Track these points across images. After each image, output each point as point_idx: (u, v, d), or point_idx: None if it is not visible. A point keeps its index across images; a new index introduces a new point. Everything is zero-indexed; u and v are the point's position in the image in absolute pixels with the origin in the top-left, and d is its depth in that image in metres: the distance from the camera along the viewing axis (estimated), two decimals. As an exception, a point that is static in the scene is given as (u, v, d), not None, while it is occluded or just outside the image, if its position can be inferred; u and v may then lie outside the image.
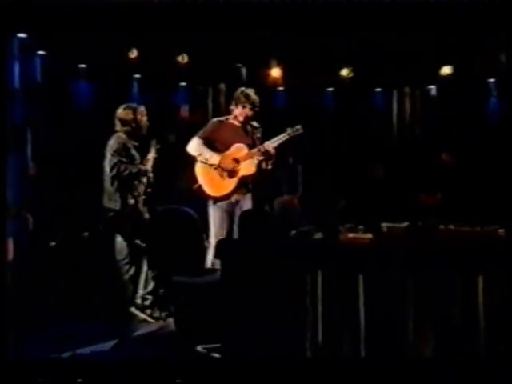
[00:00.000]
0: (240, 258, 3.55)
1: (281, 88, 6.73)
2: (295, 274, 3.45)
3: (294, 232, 3.94)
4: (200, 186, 4.82)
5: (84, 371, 3.48)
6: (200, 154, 4.81)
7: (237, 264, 3.54)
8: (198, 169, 4.85)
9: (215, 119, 5.01)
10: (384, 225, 3.79)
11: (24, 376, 3.44)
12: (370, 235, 3.57)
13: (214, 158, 4.77)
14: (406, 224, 3.86)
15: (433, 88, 6.58)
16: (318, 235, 3.63)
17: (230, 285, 3.50)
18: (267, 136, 4.88)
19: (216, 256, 3.94)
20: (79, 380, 3.39)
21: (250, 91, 4.87)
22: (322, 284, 3.39)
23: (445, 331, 3.37)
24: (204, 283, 4.06)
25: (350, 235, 3.59)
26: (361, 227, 3.71)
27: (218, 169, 4.79)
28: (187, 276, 4.15)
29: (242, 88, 4.92)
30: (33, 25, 4.57)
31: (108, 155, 4.73)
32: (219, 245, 3.88)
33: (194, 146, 4.84)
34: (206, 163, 4.81)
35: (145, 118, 4.87)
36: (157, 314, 4.74)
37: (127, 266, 4.81)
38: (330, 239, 3.50)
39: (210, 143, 4.85)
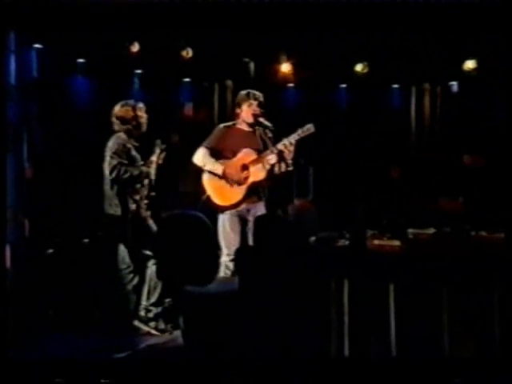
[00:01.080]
0: (258, 266, 3.56)
1: (291, 84, 6.73)
2: (318, 284, 3.45)
3: (313, 238, 3.95)
4: (208, 197, 4.86)
5: (84, 371, 3.60)
6: (204, 165, 4.86)
7: (255, 273, 3.54)
8: (205, 179, 4.89)
9: (221, 125, 5.04)
10: (410, 231, 3.81)
11: (24, 376, 3.56)
12: (398, 242, 3.57)
13: (218, 168, 4.80)
14: (432, 230, 3.88)
15: (455, 84, 6.57)
16: (342, 242, 3.63)
17: (247, 294, 3.50)
18: (278, 136, 4.88)
19: (235, 265, 3.94)
20: (79, 380, 3.51)
21: (249, 90, 4.92)
22: (349, 294, 3.38)
23: (479, 340, 3.38)
24: (217, 293, 4.05)
25: (376, 242, 3.60)
26: (387, 234, 3.71)
27: (224, 178, 4.80)
28: (198, 285, 4.14)
29: (242, 91, 4.97)
30: (28, 16, 4.54)
31: (107, 157, 4.71)
32: (237, 253, 3.88)
33: (199, 157, 4.90)
34: (212, 173, 4.85)
35: (145, 115, 4.86)
36: (162, 326, 4.72)
37: (131, 275, 4.81)
38: (357, 246, 3.49)
39: (217, 152, 4.89)
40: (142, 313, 4.74)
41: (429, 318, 3.39)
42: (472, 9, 4.31)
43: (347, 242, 3.87)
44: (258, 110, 4.85)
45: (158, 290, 4.72)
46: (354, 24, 4.81)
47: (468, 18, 4.42)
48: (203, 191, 4.89)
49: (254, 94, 4.87)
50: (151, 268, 4.71)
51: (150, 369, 3.61)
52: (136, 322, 4.74)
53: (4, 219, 4.08)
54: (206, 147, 4.89)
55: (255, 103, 4.83)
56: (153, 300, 4.73)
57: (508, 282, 3.46)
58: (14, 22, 4.53)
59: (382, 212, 5.35)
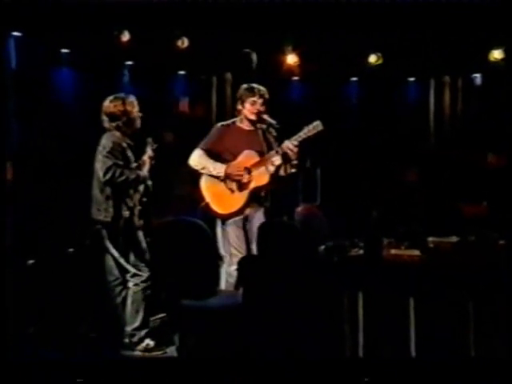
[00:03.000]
0: (263, 278, 3.56)
1: (296, 78, 6.74)
2: (330, 298, 3.45)
3: (322, 247, 3.96)
4: (207, 204, 4.86)
5: (84, 371, 3.75)
6: (203, 168, 4.85)
7: (259, 285, 3.54)
8: (204, 183, 4.89)
9: (219, 124, 5.02)
10: (430, 239, 3.81)
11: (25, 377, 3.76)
12: (417, 252, 3.58)
13: (219, 169, 4.81)
14: (454, 238, 3.88)
15: (478, 77, 6.57)
16: (355, 251, 3.64)
17: (252, 309, 3.50)
18: (282, 135, 4.88)
19: (238, 277, 3.95)
20: (80, 380, 3.67)
21: (253, 84, 4.89)
22: (364, 308, 3.38)
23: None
24: (218, 307, 4.05)
25: (393, 251, 3.60)
26: (405, 242, 3.72)
27: (225, 181, 4.80)
28: (197, 299, 4.14)
29: (243, 85, 4.93)
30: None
31: (100, 157, 4.67)
32: (240, 264, 3.89)
33: (195, 159, 4.89)
34: (211, 176, 4.84)
35: (136, 110, 4.82)
36: (151, 344, 4.69)
37: (119, 288, 4.77)
38: (371, 256, 3.49)
39: (215, 154, 4.88)
40: (126, 339, 4.70)
41: (453, 336, 3.39)
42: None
43: (361, 252, 3.89)
44: (262, 109, 4.81)
45: (141, 314, 4.66)
46: (367, 13, 4.84)
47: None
48: (201, 198, 4.88)
49: (259, 90, 4.82)
50: (132, 289, 4.66)
51: (149, 370, 3.77)
52: (122, 352, 4.70)
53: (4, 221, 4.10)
54: (203, 149, 4.87)
55: (260, 101, 4.80)
56: (136, 324, 4.66)
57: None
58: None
59: (399, 218, 5.37)
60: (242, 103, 4.86)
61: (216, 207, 4.83)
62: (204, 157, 4.85)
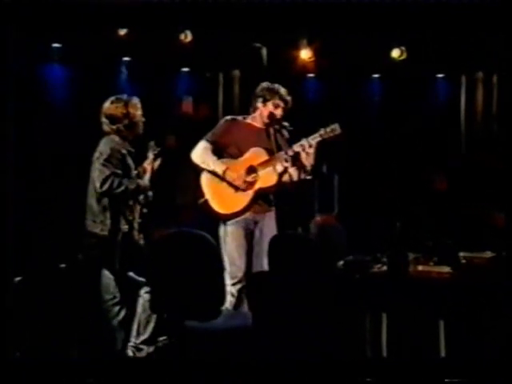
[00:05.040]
0: (274, 296, 3.56)
1: (311, 75, 6.75)
2: (350, 319, 3.44)
3: (341, 263, 3.96)
4: (206, 201, 4.87)
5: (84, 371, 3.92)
6: (203, 162, 4.88)
7: (270, 304, 3.54)
8: (204, 179, 4.91)
9: (228, 117, 5.06)
10: (462, 255, 3.81)
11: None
12: (447, 268, 3.58)
13: (219, 167, 4.83)
14: (489, 253, 3.88)
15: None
16: (377, 267, 3.64)
17: (262, 331, 3.50)
18: (296, 137, 4.89)
19: (247, 295, 3.96)
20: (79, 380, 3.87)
21: (277, 85, 4.93)
22: (388, 331, 3.37)
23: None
24: (225, 329, 4.06)
25: (420, 268, 3.60)
26: (433, 258, 3.72)
27: (224, 180, 4.84)
28: (202, 320, 4.13)
29: (267, 83, 4.96)
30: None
31: (97, 165, 4.68)
32: (249, 281, 3.90)
33: (198, 152, 4.93)
34: (212, 173, 4.87)
35: (139, 113, 4.85)
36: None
37: (116, 308, 4.80)
38: (396, 273, 3.49)
39: (221, 148, 4.91)
40: (130, 353, 4.71)
41: (488, 360, 3.36)
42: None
43: (384, 268, 3.88)
44: (282, 114, 4.86)
45: (152, 325, 4.70)
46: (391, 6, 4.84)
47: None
48: (201, 194, 4.89)
49: (286, 94, 4.88)
50: (143, 297, 4.67)
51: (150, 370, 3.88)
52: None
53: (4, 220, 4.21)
54: (208, 141, 4.91)
55: (282, 105, 4.86)
56: (144, 337, 4.68)
57: None
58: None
59: (427, 230, 5.35)
60: (264, 102, 4.89)
61: (216, 205, 4.84)
62: (207, 151, 4.88)
